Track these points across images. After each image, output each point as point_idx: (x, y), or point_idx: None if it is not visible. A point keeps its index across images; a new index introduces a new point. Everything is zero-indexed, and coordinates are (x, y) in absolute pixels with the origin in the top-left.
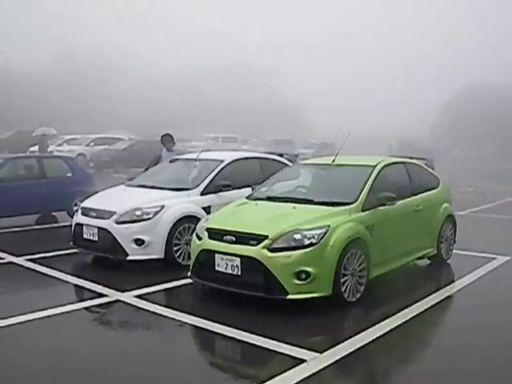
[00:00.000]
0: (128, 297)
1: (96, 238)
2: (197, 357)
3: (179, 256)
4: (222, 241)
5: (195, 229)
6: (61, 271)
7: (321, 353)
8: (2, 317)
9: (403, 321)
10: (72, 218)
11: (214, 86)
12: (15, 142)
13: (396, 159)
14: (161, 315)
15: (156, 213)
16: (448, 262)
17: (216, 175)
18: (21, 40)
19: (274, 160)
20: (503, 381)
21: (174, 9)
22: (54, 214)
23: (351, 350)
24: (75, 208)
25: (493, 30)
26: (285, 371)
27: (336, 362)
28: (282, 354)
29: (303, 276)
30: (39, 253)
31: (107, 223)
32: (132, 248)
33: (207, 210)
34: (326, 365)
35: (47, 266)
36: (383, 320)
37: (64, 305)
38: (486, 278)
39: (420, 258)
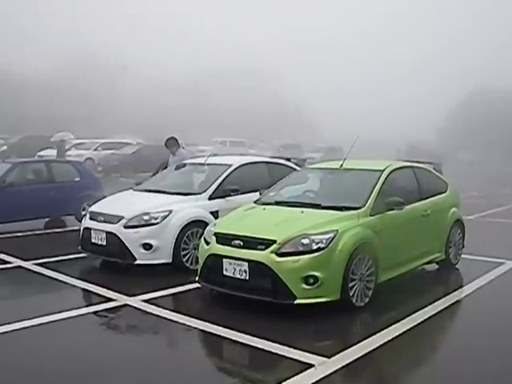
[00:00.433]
0: (136, 301)
1: (104, 243)
2: (205, 361)
3: (187, 260)
4: (229, 245)
5: (203, 233)
6: (69, 275)
7: (329, 357)
8: (10, 321)
9: (412, 325)
10: (80, 222)
11: (223, 90)
12: (23, 146)
13: (404, 163)
14: (169, 320)
15: (164, 217)
16: (456, 266)
17: (224, 180)
18: (27, 44)
19: (281, 164)
20: None
21: (183, 14)
22: (62, 218)
23: (360, 354)
24: (83, 212)
25: (499, 33)
26: (293, 376)
27: (344, 366)
28: (290, 358)
29: (311, 281)
30: (47, 257)
31: (115, 228)
32: (140, 252)
33: (215, 214)
34: (334, 369)
35: (55, 271)
36: (392, 325)
37: (72, 309)
38: (495, 282)
39: (428, 262)
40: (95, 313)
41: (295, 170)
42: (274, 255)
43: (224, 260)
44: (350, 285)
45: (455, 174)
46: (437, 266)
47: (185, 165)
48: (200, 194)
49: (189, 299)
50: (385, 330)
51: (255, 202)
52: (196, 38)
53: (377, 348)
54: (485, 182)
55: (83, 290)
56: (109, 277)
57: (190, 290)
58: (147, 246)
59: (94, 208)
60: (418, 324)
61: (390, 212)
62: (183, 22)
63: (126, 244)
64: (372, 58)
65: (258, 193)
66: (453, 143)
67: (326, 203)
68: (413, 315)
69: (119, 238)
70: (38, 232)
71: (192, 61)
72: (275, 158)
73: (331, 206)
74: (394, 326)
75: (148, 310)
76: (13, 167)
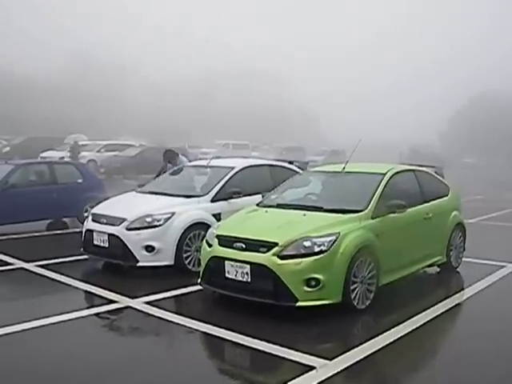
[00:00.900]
0: (138, 303)
1: (106, 245)
2: (206, 363)
3: (189, 263)
4: (232, 248)
5: (205, 236)
6: (71, 277)
7: (330, 360)
8: (12, 323)
9: (413, 328)
10: (82, 224)
11: (226, 93)
12: (26, 147)
13: (406, 167)
14: (171, 322)
15: (166, 219)
16: (457, 269)
17: (226, 182)
18: (28, 45)
19: (284, 167)
20: None
21: (185, 16)
22: (64, 220)
23: (361, 357)
24: (86, 214)
25: (505, 40)
26: (294, 378)
27: (345, 369)
28: (291, 360)
29: (313, 283)
30: (49, 259)
31: (118, 229)
32: (142, 254)
33: (217, 216)
34: (335, 372)
35: (57, 272)
36: (393, 327)
37: (74, 311)
38: (496, 285)
39: (429, 265)
40: (97, 315)
41: (297, 172)
42: (275, 258)
43: (226, 262)
44: (352, 287)
45: (458, 178)
46: (438, 269)
47: (181, 169)
48: (202, 196)
49: (191, 301)
50: (386, 333)
51: (257, 205)
52: (199, 40)
53: (378, 350)
54: (487, 185)
55: (85, 291)
56: (111, 279)
57: (192, 292)
58: (149, 248)
59: (97, 210)
60: (419, 327)
61: (392, 215)
62: (188, 25)
63: (129, 246)
64: (375, 62)
65: (260, 195)
66: (456, 147)
67: (328, 206)
68: (414, 318)
69: (121, 240)
70: (40, 234)
71: (195, 63)
72: (278, 160)
73: (333, 208)
74: (395, 329)
75: (150, 312)
76: (15, 169)
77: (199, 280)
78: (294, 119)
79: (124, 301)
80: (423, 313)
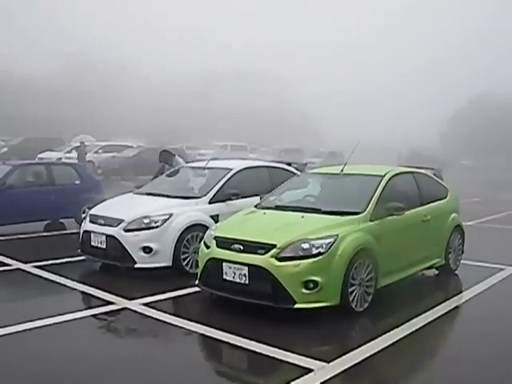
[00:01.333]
0: (135, 304)
1: (104, 246)
2: (204, 365)
3: (187, 264)
4: (229, 249)
5: (203, 237)
6: (68, 278)
7: (328, 362)
8: (9, 324)
9: (411, 331)
10: (80, 225)
11: (224, 94)
12: (24, 148)
13: (404, 169)
14: (168, 323)
15: (164, 221)
16: (456, 272)
17: (224, 184)
18: (27, 45)
19: (282, 169)
20: None
21: (185, 16)
22: (62, 221)
23: (359, 359)
24: (83, 215)
25: (502, 40)
26: (292, 381)
27: (344, 371)
28: (289, 363)
29: (311, 285)
30: (47, 260)
31: (115, 231)
32: (140, 256)
33: (215, 218)
34: (333, 374)
35: (55, 273)
36: (391, 330)
37: (71, 312)
38: (494, 288)
39: (428, 268)
40: (94, 316)
41: (296, 174)
42: (274, 260)
43: (224, 264)
44: (350, 290)
45: (456, 179)
46: (436, 272)
47: (178, 171)
48: (200, 197)
49: (188, 303)
50: (384, 335)
51: (255, 207)
52: (199, 40)
53: (376, 353)
54: (485, 187)
55: (83, 292)
56: (108, 280)
57: (189, 294)
58: (147, 250)
59: (94, 211)
60: (418, 329)
61: (390, 217)
62: (188, 25)
63: (126, 247)
64: (374, 63)
65: (258, 197)
66: (455, 149)
67: (327, 208)
68: (412, 320)
69: (119, 242)
70: (37, 235)
71: (194, 63)
72: (276, 162)
73: (331, 210)
74: (393, 331)
75: (147, 314)
76: (13, 169)
77: (197, 282)
78: (292, 120)
79: (121, 302)
80: (422, 315)
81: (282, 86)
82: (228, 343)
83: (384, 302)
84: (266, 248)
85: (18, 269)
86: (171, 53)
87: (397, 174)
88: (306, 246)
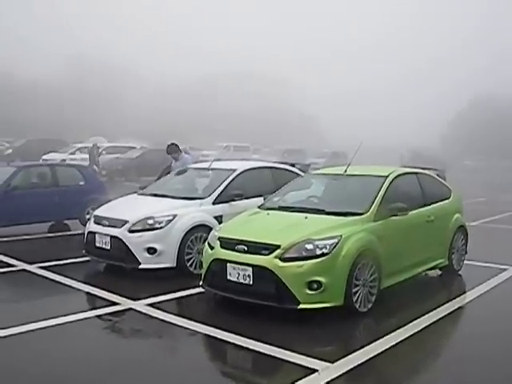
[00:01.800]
0: (140, 305)
1: (108, 247)
2: (208, 366)
3: (191, 265)
4: (233, 250)
5: (207, 238)
6: (73, 279)
7: (332, 363)
8: (14, 324)
9: (415, 331)
10: (84, 226)
11: (226, 95)
12: (28, 149)
13: (408, 170)
14: (173, 324)
15: (168, 222)
16: (459, 272)
17: (228, 185)
18: (32, 48)
19: (285, 170)
20: None
21: (187, 18)
22: (66, 222)
23: (363, 360)
24: (88, 216)
25: (502, 41)
26: (296, 381)
27: (348, 371)
28: (293, 363)
29: (315, 286)
30: (52, 260)
31: (120, 232)
32: (144, 257)
33: (219, 219)
34: (337, 375)
35: (60, 274)
36: (395, 330)
37: (76, 313)
38: (498, 288)
39: (431, 268)
40: (99, 317)
41: (299, 175)
42: (277, 260)
43: (228, 265)
44: (354, 290)
45: (459, 180)
46: (440, 272)
47: (186, 170)
48: (204, 198)
49: (193, 303)
50: (388, 336)
51: (259, 207)
52: (199, 42)
53: (380, 354)
54: (488, 188)
55: (87, 293)
56: (113, 281)
57: (193, 295)
58: (151, 250)
59: (99, 212)
60: (421, 330)
61: (394, 218)
62: (194, 32)
63: (131, 248)
64: (376, 64)
65: (262, 198)
66: (457, 150)
67: (330, 209)
68: (416, 321)
69: (123, 242)
70: (42, 235)
71: (196, 65)
72: (279, 163)
73: (335, 211)
74: (397, 332)
75: (152, 314)
76: (17, 171)
77: (201, 282)
78: (293, 121)
79: (126, 303)
80: (425, 316)
81: (283, 87)
82: (232, 344)
83: (387, 303)
84: (269, 249)
85: (23, 270)
86: (173, 54)
87: (400, 175)
88: (309, 246)
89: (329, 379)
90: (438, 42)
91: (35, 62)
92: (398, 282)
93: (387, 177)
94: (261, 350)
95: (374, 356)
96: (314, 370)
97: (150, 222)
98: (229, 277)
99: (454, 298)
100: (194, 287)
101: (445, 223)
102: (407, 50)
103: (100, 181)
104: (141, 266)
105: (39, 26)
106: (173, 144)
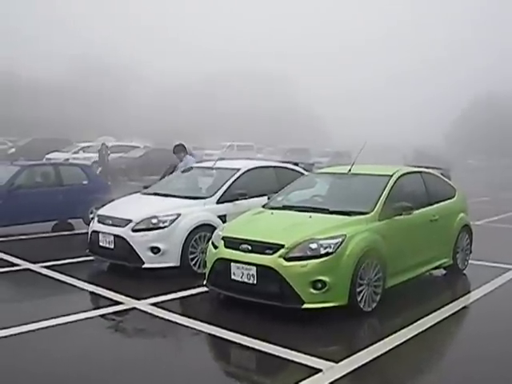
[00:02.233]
0: (144, 305)
1: (112, 246)
2: (212, 365)
3: (195, 264)
4: (237, 249)
5: (211, 237)
6: (77, 278)
7: (337, 362)
8: (18, 324)
9: (419, 331)
10: (88, 225)
11: (230, 94)
12: (31, 149)
13: (412, 169)
14: (176, 323)
15: (172, 221)
16: (464, 272)
17: (232, 184)
18: (36, 48)
19: (289, 169)
20: None
21: (191, 17)
22: (70, 221)
23: (367, 359)
24: (91, 216)
25: (506, 40)
26: (301, 381)
27: (352, 371)
28: (297, 363)
29: (319, 285)
30: (55, 260)
31: (123, 231)
32: (148, 256)
33: (223, 218)
34: (341, 374)
35: (63, 273)
36: (399, 330)
37: (80, 312)
38: (503, 288)
39: (436, 267)
40: (103, 316)
41: (303, 174)
42: (282, 260)
43: (232, 264)
44: (358, 290)
45: (463, 179)
46: (444, 272)
47: (192, 168)
48: (208, 197)
49: (196, 303)
50: (392, 336)
51: (263, 207)
52: (204, 40)
53: (384, 353)
54: (492, 187)
55: (91, 293)
56: (117, 280)
57: (197, 294)
58: (155, 250)
59: (102, 211)
60: (426, 330)
61: (398, 217)
62: (198, 30)
63: (134, 247)
64: (379, 62)
65: (265, 197)
66: (461, 149)
67: (334, 208)
68: (420, 321)
69: (127, 242)
70: (45, 235)
71: (200, 64)
72: (283, 162)
73: (339, 210)
74: (401, 332)
75: (156, 314)
76: (21, 170)
77: (205, 282)
78: (298, 120)
79: (130, 302)
80: (430, 315)
81: (287, 86)
82: (236, 343)
83: (392, 302)
84: (274, 248)
85: (27, 269)
86: (177, 53)
87: (405, 174)
88: (314, 246)
89: (333, 379)
90: (438, 42)
91: (40, 62)
92: (402, 282)
93: (392, 176)
94: (265, 350)
95: (379, 356)
96: (319, 370)
97: (154, 221)
98: (233, 276)
99: (459, 298)
100: (197, 287)
101: (449, 222)
102: (407, 50)
103: (103, 180)
104: (144, 266)
105: (44, 26)
106: (180, 144)
